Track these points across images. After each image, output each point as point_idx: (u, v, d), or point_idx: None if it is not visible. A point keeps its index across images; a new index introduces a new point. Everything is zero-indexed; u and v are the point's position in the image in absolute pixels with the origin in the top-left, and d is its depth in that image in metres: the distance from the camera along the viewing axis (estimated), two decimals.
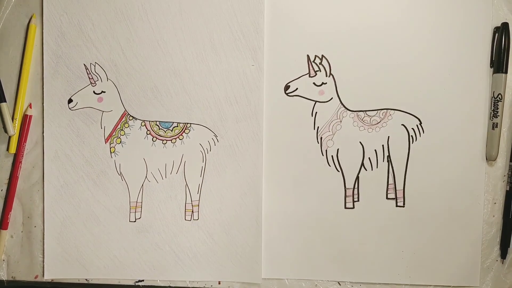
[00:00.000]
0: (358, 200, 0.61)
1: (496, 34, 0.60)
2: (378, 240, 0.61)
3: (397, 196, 0.61)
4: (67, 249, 0.63)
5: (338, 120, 0.61)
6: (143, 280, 0.63)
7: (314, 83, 0.61)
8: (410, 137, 0.61)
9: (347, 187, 0.62)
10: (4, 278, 0.64)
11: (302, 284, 0.62)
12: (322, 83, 0.61)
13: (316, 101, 0.61)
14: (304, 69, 0.61)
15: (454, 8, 0.60)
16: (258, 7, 0.61)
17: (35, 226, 0.64)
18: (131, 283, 0.63)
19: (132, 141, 0.62)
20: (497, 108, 0.59)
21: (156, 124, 0.62)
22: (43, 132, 0.63)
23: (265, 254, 0.62)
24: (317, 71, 0.61)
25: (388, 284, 0.62)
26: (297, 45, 0.61)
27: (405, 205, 0.61)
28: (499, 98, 0.59)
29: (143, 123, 0.62)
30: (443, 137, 0.60)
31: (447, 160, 0.61)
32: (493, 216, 0.61)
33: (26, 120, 0.63)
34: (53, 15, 0.62)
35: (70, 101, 0.62)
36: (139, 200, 0.63)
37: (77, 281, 0.64)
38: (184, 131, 0.62)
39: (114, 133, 0.62)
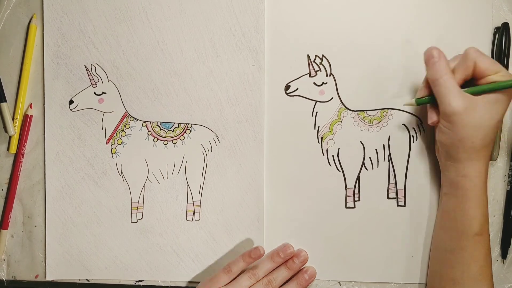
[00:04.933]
0: (359, 200, 0.62)
1: (497, 34, 0.60)
2: (379, 240, 0.61)
3: (398, 196, 0.61)
4: (69, 250, 0.63)
5: (339, 120, 0.61)
6: (143, 280, 0.63)
7: (314, 83, 0.61)
8: (411, 137, 0.61)
9: (348, 186, 0.62)
10: (4, 278, 0.64)
11: None
12: (323, 83, 0.61)
13: (316, 101, 0.61)
14: (304, 69, 0.61)
15: (454, 8, 0.60)
16: (258, 7, 0.61)
17: (35, 226, 0.64)
18: (132, 283, 0.63)
19: (133, 142, 0.62)
20: None
21: (157, 125, 0.62)
22: (44, 133, 0.63)
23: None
24: (318, 71, 0.61)
25: (389, 283, 0.62)
26: (297, 45, 0.61)
27: (406, 205, 0.61)
28: None
29: (144, 124, 0.62)
30: None
31: None
32: (494, 216, 0.61)
33: (26, 120, 0.63)
34: (53, 16, 0.62)
35: (71, 102, 0.62)
36: (141, 201, 0.63)
37: (77, 281, 0.64)
38: (185, 132, 0.62)
39: (115, 134, 0.62)
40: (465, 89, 0.51)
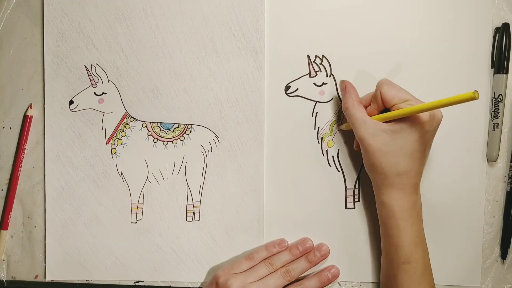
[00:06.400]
0: (359, 201, 0.61)
1: (497, 35, 0.60)
2: (379, 240, 0.61)
3: None
4: (68, 251, 0.63)
5: (339, 120, 0.61)
6: (143, 281, 0.63)
7: (314, 83, 0.61)
8: None
9: (348, 187, 0.62)
10: (4, 278, 0.64)
11: None
12: (323, 83, 0.61)
13: (316, 102, 0.61)
14: (304, 69, 0.61)
15: (455, 8, 0.60)
16: (258, 7, 0.61)
17: (35, 226, 0.64)
18: (131, 283, 0.63)
19: (133, 143, 0.62)
20: (498, 109, 0.59)
21: (157, 125, 0.62)
22: (44, 134, 0.63)
23: None
24: (318, 71, 0.61)
25: None
26: (297, 45, 0.61)
27: None
28: (500, 98, 0.59)
29: (144, 124, 0.62)
30: (443, 138, 0.60)
31: (448, 160, 0.61)
32: (494, 216, 0.61)
33: (26, 120, 0.63)
34: (53, 16, 0.62)
35: (71, 102, 0.62)
36: (140, 201, 0.63)
37: (77, 281, 0.64)
38: (185, 132, 0.62)
39: (115, 135, 0.62)
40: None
